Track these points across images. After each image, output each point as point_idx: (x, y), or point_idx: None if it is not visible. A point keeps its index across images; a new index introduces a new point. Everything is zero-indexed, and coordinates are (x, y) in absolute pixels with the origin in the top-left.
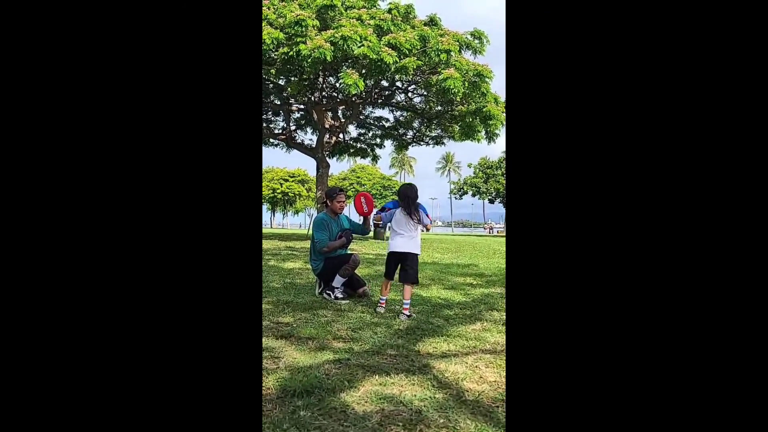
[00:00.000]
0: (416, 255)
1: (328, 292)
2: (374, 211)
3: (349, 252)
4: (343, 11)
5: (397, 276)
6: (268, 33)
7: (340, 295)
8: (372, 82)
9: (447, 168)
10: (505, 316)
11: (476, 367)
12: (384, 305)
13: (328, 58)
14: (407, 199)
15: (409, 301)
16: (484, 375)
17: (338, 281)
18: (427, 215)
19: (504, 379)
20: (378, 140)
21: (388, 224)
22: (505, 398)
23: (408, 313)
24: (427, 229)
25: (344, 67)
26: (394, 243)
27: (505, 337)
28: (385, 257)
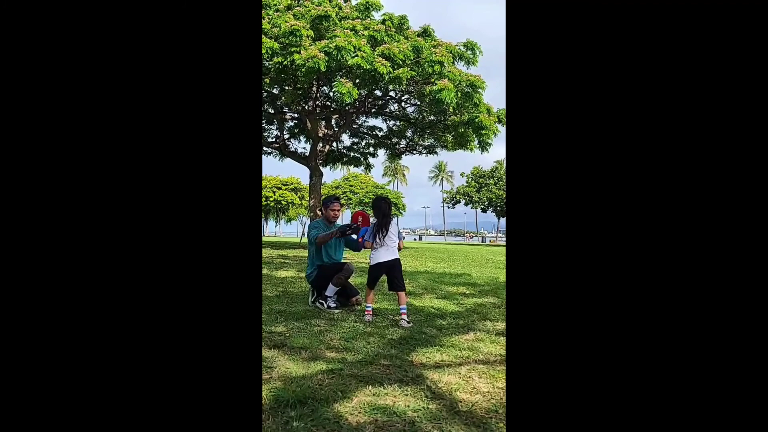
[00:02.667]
0: (399, 261)
1: (321, 301)
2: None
3: (343, 261)
4: (338, 22)
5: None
6: (263, 43)
7: (333, 305)
8: (365, 92)
9: (440, 177)
10: (498, 326)
11: (469, 377)
12: (371, 313)
13: (322, 67)
14: (381, 214)
15: (405, 307)
16: (478, 385)
17: (331, 290)
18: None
19: (497, 390)
20: (371, 149)
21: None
22: (498, 409)
23: (408, 320)
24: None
25: (338, 77)
26: (376, 255)
27: (498, 347)
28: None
